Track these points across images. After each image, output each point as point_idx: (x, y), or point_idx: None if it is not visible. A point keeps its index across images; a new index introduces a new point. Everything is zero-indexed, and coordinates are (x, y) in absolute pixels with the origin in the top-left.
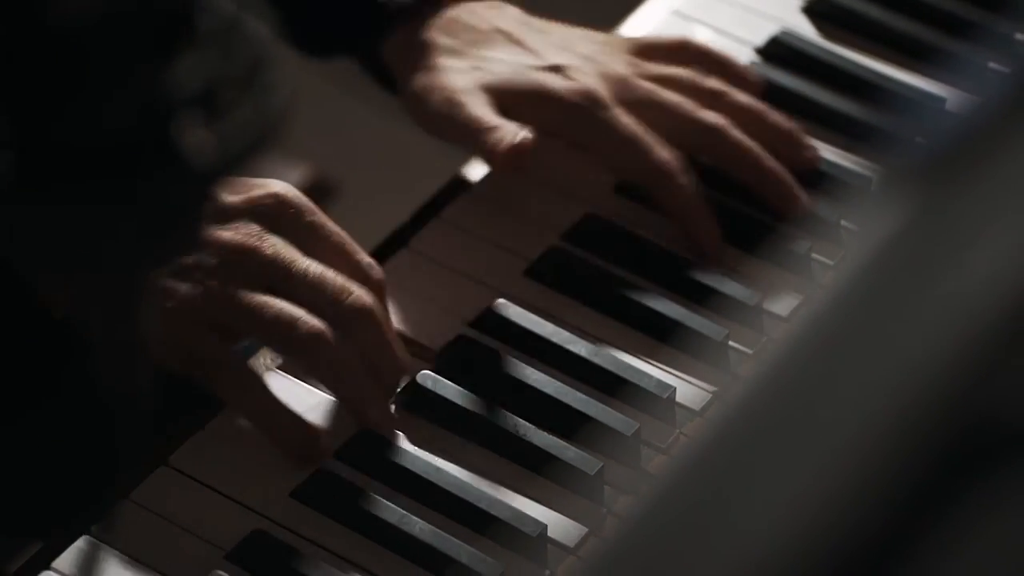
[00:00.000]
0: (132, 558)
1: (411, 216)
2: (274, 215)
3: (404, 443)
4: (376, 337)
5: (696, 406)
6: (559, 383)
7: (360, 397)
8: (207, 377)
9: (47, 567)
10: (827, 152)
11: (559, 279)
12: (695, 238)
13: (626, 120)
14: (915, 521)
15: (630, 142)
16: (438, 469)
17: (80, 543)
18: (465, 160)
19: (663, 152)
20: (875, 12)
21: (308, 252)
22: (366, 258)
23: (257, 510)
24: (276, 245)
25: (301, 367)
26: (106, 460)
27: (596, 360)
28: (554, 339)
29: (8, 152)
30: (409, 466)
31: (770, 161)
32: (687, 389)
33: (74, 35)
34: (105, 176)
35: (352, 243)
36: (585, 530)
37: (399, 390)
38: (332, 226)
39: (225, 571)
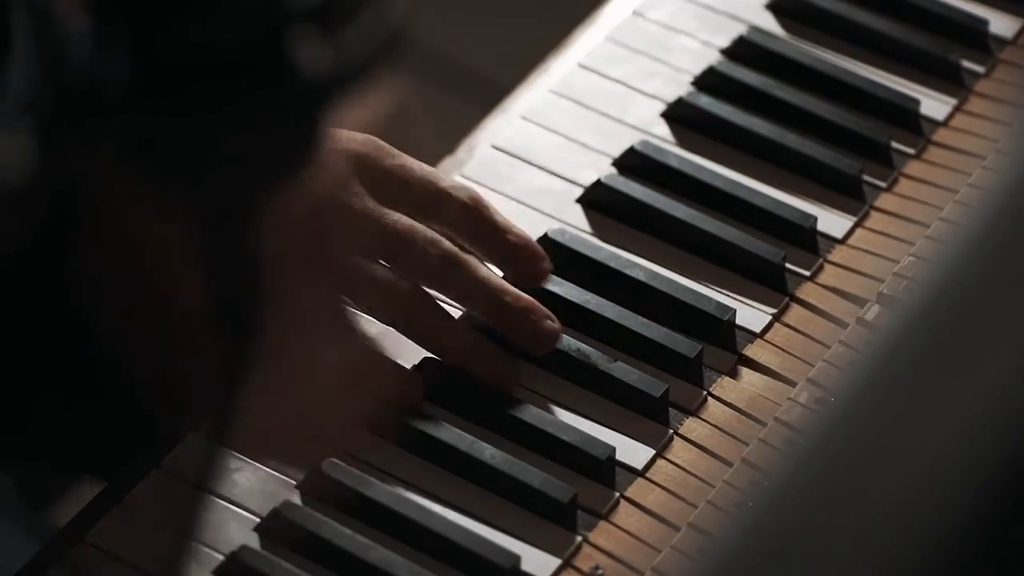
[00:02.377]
0: (162, 526)
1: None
2: (355, 166)
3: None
4: (471, 280)
5: (756, 328)
6: (619, 308)
7: (464, 357)
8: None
9: (80, 540)
10: (870, 73)
11: (613, 207)
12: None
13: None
14: None
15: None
16: (505, 396)
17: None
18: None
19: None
20: (842, 8)
21: (395, 198)
22: (450, 182)
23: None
24: (363, 202)
25: (398, 329)
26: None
27: (655, 284)
28: (612, 264)
29: (126, 65)
30: (476, 392)
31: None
32: (746, 312)
33: None
34: (220, 89)
35: (437, 175)
36: (652, 451)
37: None
38: (413, 164)
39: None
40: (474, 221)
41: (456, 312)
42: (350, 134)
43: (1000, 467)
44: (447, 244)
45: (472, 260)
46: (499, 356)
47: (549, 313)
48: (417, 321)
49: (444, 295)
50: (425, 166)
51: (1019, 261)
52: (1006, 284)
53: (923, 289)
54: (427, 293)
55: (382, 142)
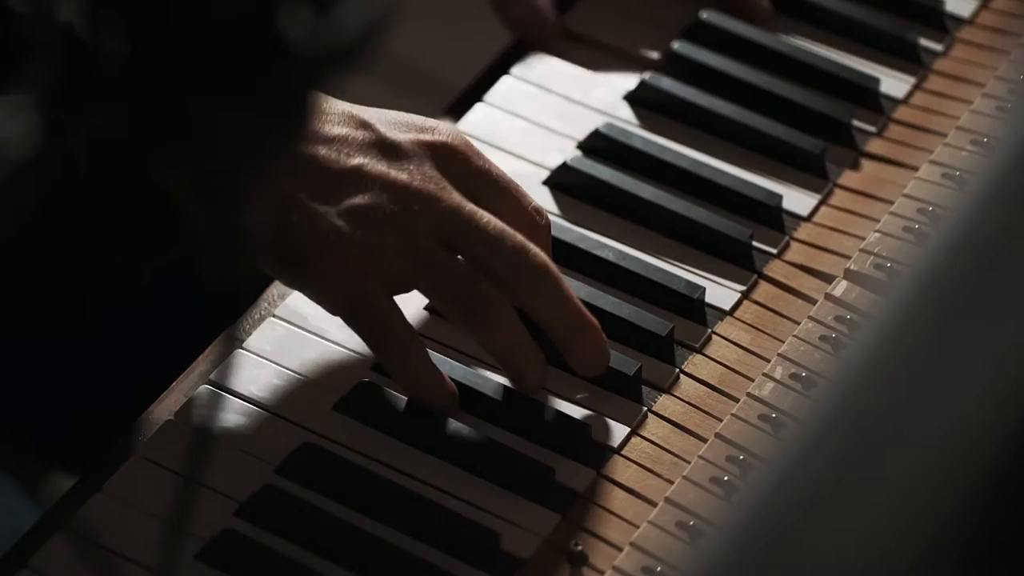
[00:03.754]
0: (180, 475)
1: None
2: (445, 160)
3: (440, 351)
4: (555, 293)
5: (725, 306)
6: (590, 289)
7: (524, 364)
8: (369, 333)
9: (98, 489)
10: (830, 53)
11: (579, 188)
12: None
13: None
14: None
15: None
16: (479, 376)
17: (130, 463)
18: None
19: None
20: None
21: (478, 199)
22: (533, 202)
23: (303, 424)
24: (455, 195)
25: (471, 334)
26: (153, 372)
27: (624, 264)
28: (581, 245)
29: (122, 39)
30: (449, 373)
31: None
32: (715, 290)
33: None
34: (215, 63)
35: (520, 188)
36: (627, 429)
37: None
38: (500, 171)
39: (276, 483)
40: (546, 246)
41: None
42: (436, 124)
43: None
44: (537, 252)
45: (560, 274)
46: (539, 358)
47: (605, 339)
48: (496, 331)
49: (518, 302)
50: (508, 175)
51: None
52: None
53: (939, 245)
54: (505, 299)
55: (468, 139)
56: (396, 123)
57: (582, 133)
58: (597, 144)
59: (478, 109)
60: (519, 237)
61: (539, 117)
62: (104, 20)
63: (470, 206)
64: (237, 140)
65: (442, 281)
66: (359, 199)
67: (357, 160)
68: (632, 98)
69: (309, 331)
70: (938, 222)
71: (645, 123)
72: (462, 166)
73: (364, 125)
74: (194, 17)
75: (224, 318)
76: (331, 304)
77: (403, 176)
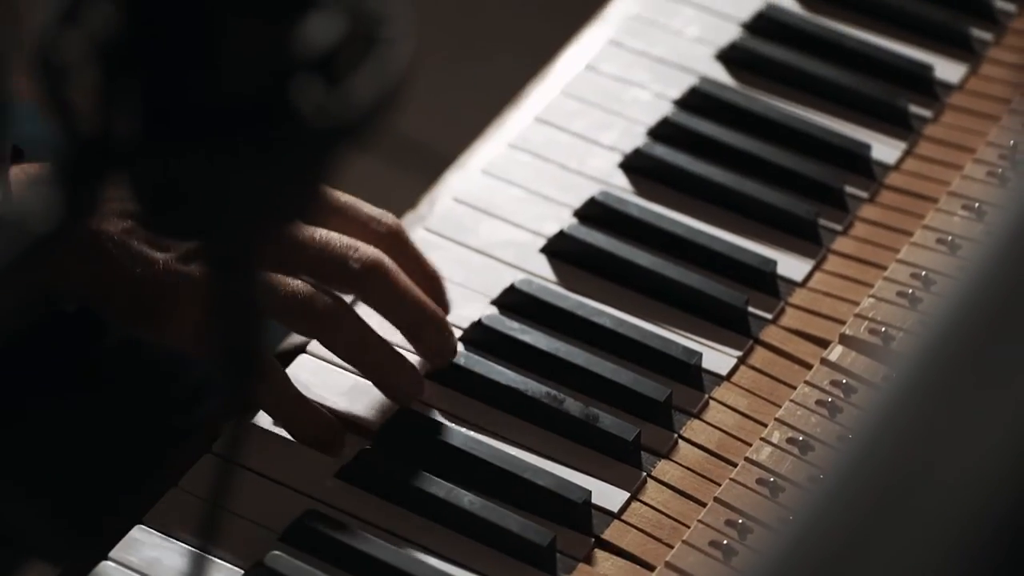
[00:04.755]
0: (185, 543)
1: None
2: None
3: (439, 418)
4: (390, 290)
5: (722, 371)
6: (588, 353)
7: (382, 369)
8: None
9: (103, 557)
10: (821, 120)
11: (576, 256)
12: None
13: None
14: None
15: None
16: (478, 443)
17: (134, 532)
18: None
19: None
20: (790, 57)
21: (313, 222)
22: (374, 210)
23: (306, 492)
24: None
25: (321, 344)
26: (152, 447)
27: (622, 331)
28: (579, 312)
29: (136, 116)
30: (448, 441)
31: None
32: (712, 355)
33: None
34: (227, 138)
35: (355, 201)
36: (627, 494)
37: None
38: (331, 191)
39: (280, 551)
40: (398, 249)
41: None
42: None
43: None
44: (369, 249)
45: (394, 267)
46: (399, 359)
47: (449, 328)
48: (341, 333)
49: (364, 302)
50: (346, 196)
51: None
52: None
53: (961, 292)
54: (349, 306)
55: None
56: None
57: (578, 201)
58: (593, 212)
59: (475, 178)
60: (345, 240)
61: (536, 185)
62: (115, 92)
63: (296, 227)
64: (249, 211)
65: (279, 300)
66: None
67: None
68: (627, 166)
69: (311, 399)
70: (935, 293)
71: (640, 190)
72: None
73: None
74: (207, 91)
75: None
76: (193, 348)
77: None
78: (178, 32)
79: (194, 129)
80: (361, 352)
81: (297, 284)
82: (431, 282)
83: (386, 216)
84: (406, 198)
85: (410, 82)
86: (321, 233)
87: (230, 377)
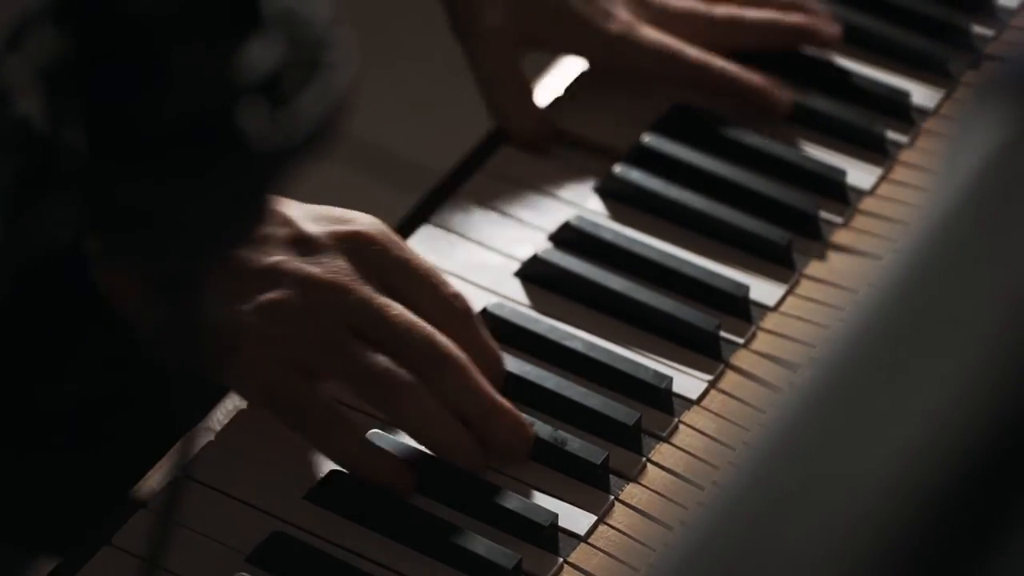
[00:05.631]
0: (152, 564)
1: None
2: (361, 251)
3: (410, 440)
4: (461, 383)
5: (692, 395)
6: (559, 378)
7: (443, 445)
8: (291, 419)
9: None
10: (798, 146)
11: (550, 280)
12: (764, 99)
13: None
14: None
15: (663, 53)
16: (447, 465)
17: (102, 553)
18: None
19: (692, 50)
20: (839, 12)
21: (394, 288)
22: (452, 290)
23: (274, 513)
24: (366, 288)
25: (387, 417)
26: (122, 470)
27: (593, 354)
28: (550, 336)
29: (81, 138)
30: (418, 462)
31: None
32: (683, 379)
33: (144, 19)
34: (171, 161)
35: (438, 275)
36: (594, 518)
37: None
38: (418, 260)
39: (246, 573)
40: (465, 332)
41: None
42: (355, 216)
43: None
44: (443, 342)
45: (468, 362)
46: (460, 437)
47: (522, 423)
48: (408, 411)
49: (434, 392)
50: (428, 263)
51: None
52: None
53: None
54: (422, 386)
55: (388, 228)
56: (316, 217)
57: (553, 225)
58: (567, 236)
59: (450, 200)
60: (427, 329)
61: (511, 209)
62: (60, 116)
63: (380, 299)
64: (194, 234)
65: (350, 367)
66: (272, 294)
67: (274, 257)
68: (602, 190)
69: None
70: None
71: (615, 215)
72: (378, 256)
73: (286, 222)
74: (150, 112)
75: (194, 408)
76: (252, 396)
77: (315, 270)
78: (122, 56)
79: (138, 152)
80: (423, 431)
81: (374, 355)
82: (491, 367)
83: (461, 299)
84: (391, 214)
85: (352, 105)
86: (403, 316)
87: (177, 395)
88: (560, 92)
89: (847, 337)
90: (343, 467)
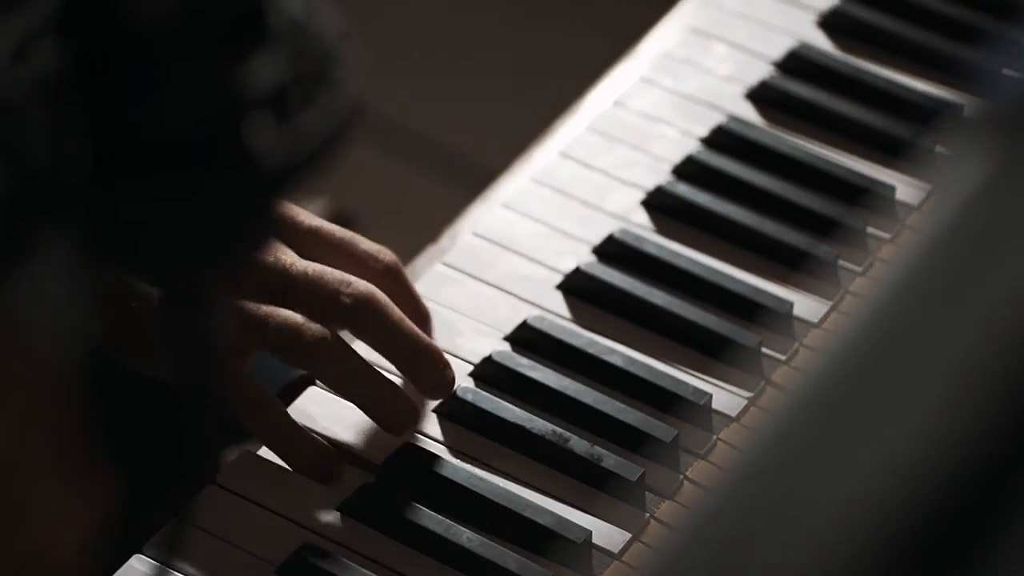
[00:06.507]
0: (182, 573)
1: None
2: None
3: (444, 454)
4: (383, 324)
5: (732, 412)
6: (597, 393)
7: (372, 397)
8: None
9: None
10: (847, 160)
11: (592, 293)
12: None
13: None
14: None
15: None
16: (481, 479)
17: (133, 562)
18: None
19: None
20: (889, 23)
21: (308, 256)
22: (371, 246)
23: (305, 525)
24: (274, 251)
25: (311, 373)
26: (155, 478)
27: (632, 370)
28: (590, 350)
29: (85, 153)
30: (451, 477)
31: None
32: (723, 396)
33: (148, 34)
34: (177, 176)
35: (353, 236)
36: (628, 535)
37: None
38: (329, 226)
39: None
40: (393, 286)
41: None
42: None
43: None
44: (361, 284)
45: (385, 302)
46: (390, 387)
47: (445, 361)
48: (330, 363)
49: (357, 337)
50: (345, 230)
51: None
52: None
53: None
54: (339, 337)
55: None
56: None
57: (598, 238)
58: (611, 249)
59: (496, 212)
60: (338, 274)
61: (556, 221)
62: (64, 131)
63: (288, 257)
64: (198, 249)
65: (269, 333)
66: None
67: None
68: (649, 203)
69: (315, 431)
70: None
71: (660, 229)
72: (289, 226)
73: None
74: (155, 127)
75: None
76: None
77: None
78: (127, 71)
79: (142, 167)
80: (350, 381)
81: (287, 314)
82: (422, 320)
83: (383, 252)
84: (454, 213)
85: (359, 121)
86: (315, 267)
87: (192, 411)
88: (610, 105)
89: (830, 358)
90: (269, 446)
